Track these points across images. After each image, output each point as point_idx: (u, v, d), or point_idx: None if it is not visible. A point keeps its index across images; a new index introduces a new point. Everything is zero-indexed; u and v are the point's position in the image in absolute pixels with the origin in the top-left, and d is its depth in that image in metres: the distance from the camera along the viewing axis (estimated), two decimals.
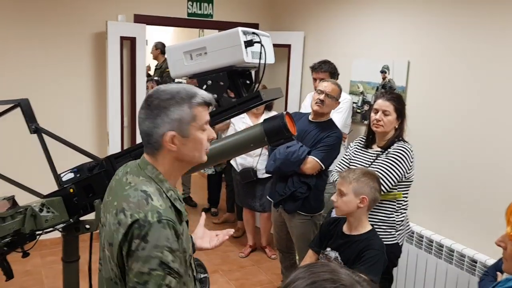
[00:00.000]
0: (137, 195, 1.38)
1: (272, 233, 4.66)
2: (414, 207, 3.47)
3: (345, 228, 2.35)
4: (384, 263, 2.22)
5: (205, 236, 1.91)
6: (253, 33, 2.00)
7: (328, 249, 2.34)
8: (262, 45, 1.96)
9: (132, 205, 1.36)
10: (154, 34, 8.19)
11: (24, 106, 2.46)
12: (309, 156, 3.12)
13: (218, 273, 4.22)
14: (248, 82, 2.18)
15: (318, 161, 3.12)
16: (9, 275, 2.20)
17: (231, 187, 5.08)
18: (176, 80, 5.75)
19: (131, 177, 1.45)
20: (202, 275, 2.15)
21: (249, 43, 1.94)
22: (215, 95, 2.01)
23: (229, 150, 2.05)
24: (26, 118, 2.47)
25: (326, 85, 3.14)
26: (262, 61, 1.98)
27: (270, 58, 2.12)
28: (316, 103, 3.12)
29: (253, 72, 2.26)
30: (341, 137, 3.22)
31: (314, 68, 3.88)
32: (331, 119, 3.28)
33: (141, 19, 4.71)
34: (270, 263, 4.48)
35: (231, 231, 1.94)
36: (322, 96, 3.10)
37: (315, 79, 3.87)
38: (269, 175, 3.70)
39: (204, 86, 2.02)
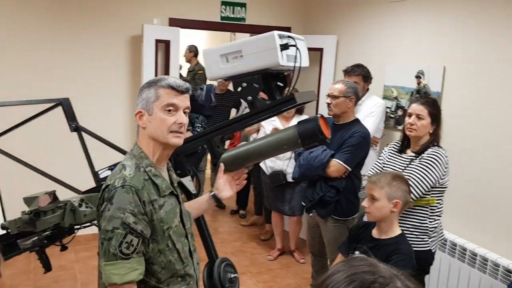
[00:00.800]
0: (117, 168, 1.65)
1: (301, 237, 4.67)
2: (448, 214, 3.42)
3: (374, 232, 2.34)
4: (413, 268, 2.19)
5: (225, 185, 2.04)
6: (289, 36, 2.01)
7: (357, 252, 2.33)
8: (297, 49, 1.98)
9: (111, 175, 1.64)
10: (188, 37, 8.31)
11: (65, 105, 2.56)
12: (333, 159, 3.12)
13: (247, 275, 4.24)
14: (282, 85, 2.20)
15: (342, 163, 3.11)
16: (47, 267, 2.29)
17: (259, 189, 5.10)
18: (208, 82, 5.84)
19: (125, 157, 1.71)
20: (232, 275, 2.19)
21: (284, 47, 1.96)
22: (250, 97, 2.05)
23: (263, 151, 2.06)
24: (67, 116, 2.56)
25: (331, 87, 3.18)
26: (297, 65, 1.99)
27: (305, 62, 2.14)
28: (328, 107, 3.18)
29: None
30: (365, 136, 3.17)
31: (347, 72, 3.85)
32: (355, 119, 3.26)
33: (175, 22, 4.81)
34: (298, 267, 4.48)
35: (245, 170, 2.09)
36: (328, 100, 3.16)
37: None
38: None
39: (239, 88, 2.05)
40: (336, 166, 3.12)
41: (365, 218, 2.61)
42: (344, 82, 3.21)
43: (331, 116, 3.23)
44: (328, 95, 3.16)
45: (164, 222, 1.63)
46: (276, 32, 1.98)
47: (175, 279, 1.70)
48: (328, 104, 3.16)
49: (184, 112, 1.67)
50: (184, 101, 1.66)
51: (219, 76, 2.12)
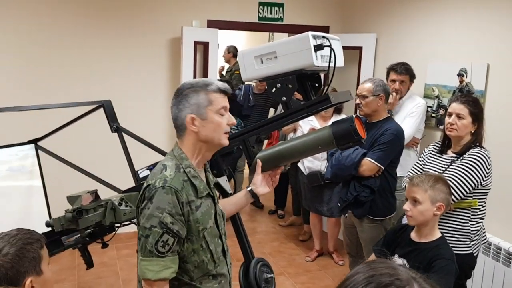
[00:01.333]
0: (158, 168, 1.68)
1: (339, 238, 4.62)
2: (492, 217, 3.30)
3: (413, 235, 2.28)
4: (455, 273, 2.13)
5: (262, 182, 2.08)
6: (323, 37, 2.00)
7: (396, 255, 2.29)
8: (332, 49, 1.96)
9: (152, 174, 1.68)
10: (226, 38, 8.39)
11: (107, 107, 2.64)
12: (364, 158, 3.09)
13: (284, 276, 4.24)
14: (317, 85, 2.19)
15: (373, 161, 3.07)
16: (89, 264, 2.37)
17: (297, 190, 5.08)
18: (246, 83, 5.87)
19: (165, 156, 1.76)
20: (268, 275, 2.19)
21: (319, 47, 1.95)
22: (284, 98, 2.05)
23: (297, 151, 2.07)
24: (108, 118, 2.65)
25: (359, 88, 3.17)
26: (332, 65, 1.98)
27: (340, 62, 2.12)
28: (358, 107, 3.17)
29: (322, 75, 2.27)
30: (397, 133, 3.12)
31: (395, 70, 3.74)
32: (387, 117, 3.21)
33: (213, 24, 4.87)
34: (337, 269, 4.44)
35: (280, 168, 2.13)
36: (358, 100, 3.15)
37: (394, 81, 3.75)
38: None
39: (274, 89, 2.05)
40: (368, 164, 3.08)
41: (404, 220, 2.56)
42: (372, 80, 3.17)
43: (362, 116, 3.20)
44: (357, 95, 3.14)
45: (200, 223, 1.68)
46: (310, 33, 1.97)
47: (207, 278, 1.75)
48: (358, 104, 3.14)
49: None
50: (228, 103, 1.74)
51: (254, 77, 2.13)
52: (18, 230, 1.54)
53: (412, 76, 3.78)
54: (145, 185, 1.65)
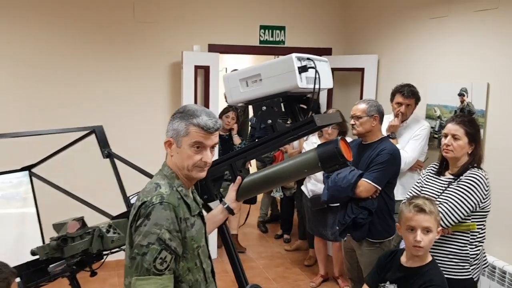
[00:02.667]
0: (150, 186, 1.68)
1: None
2: (497, 240, 3.21)
3: (403, 260, 2.21)
4: None
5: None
6: (308, 58, 1.98)
7: (387, 282, 2.21)
8: (316, 71, 1.94)
9: (145, 192, 1.66)
10: (232, 61, 8.45)
11: (98, 133, 2.64)
12: (361, 179, 3.03)
13: None
14: (305, 107, 2.16)
15: (370, 182, 3.02)
16: None
17: (302, 213, 5.02)
18: None
19: (154, 177, 1.76)
20: None
21: (303, 69, 1.93)
22: (270, 121, 2.02)
23: (283, 175, 2.03)
24: (100, 143, 2.65)
25: (353, 108, 3.15)
26: (317, 87, 1.95)
27: (327, 83, 2.10)
28: (352, 128, 3.16)
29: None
30: (393, 152, 3.08)
31: (402, 93, 3.66)
32: (383, 138, 3.18)
33: (215, 48, 4.90)
34: None
35: None
36: (352, 121, 3.14)
37: (399, 103, 3.68)
38: None
39: (259, 112, 2.03)
40: (365, 185, 3.03)
41: (402, 244, 2.48)
42: (366, 101, 3.15)
43: (357, 137, 3.18)
44: (352, 116, 3.13)
45: (195, 240, 1.69)
46: (294, 55, 1.95)
47: None
48: (353, 125, 3.13)
49: (213, 147, 1.72)
50: (212, 140, 1.70)
51: (240, 100, 2.12)
52: None
53: (417, 99, 3.72)
54: (138, 203, 1.63)
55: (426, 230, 2.10)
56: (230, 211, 2.05)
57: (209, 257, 1.82)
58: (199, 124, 1.65)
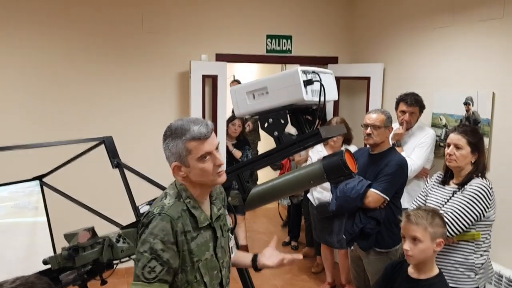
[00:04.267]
0: (160, 196, 1.75)
1: None
2: (503, 248, 3.21)
3: (410, 271, 2.22)
4: None
5: (272, 256, 2.02)
6: (313, 72, 2.02)
7: None
8: (321, 84, 1.98)
9: (154, 203, 1.74)
10: (240, 70, 8.52)
11: (108, 143, 2.69)
12: (370, 189, 3.06)
13: None
14: (311, 119, 2.21)
15: (379, 193, 3.05)
16: None
17: (309, 221, 5.04)
18: None
19: (168, 186, 1.79)
20: None
21: (308, 82, 1.98)
22: (276, 133, 2.07)
23: (290, 186, 2.07)
24: (109, 154, 2.70)
25: (369, 117, 3.13)
26: (322, 99, 1.99)
27: (332, 95, 2.14)
28: (365, 137, 3.14)
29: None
30: (401, 163, 3.11)
31: (406, 101, 3.72)
32: (390, 148, 3.21)
33: (222, 57, 4.95)
34: None
35: (299, 256, 2.01)
36: (368, 130, 3.11)
37: (403, 112, 3.72)
38: None
39: (266, 124, 2.08)
40: (374, 196, 3.05)
41: None
42: (382, 111, 3.17)
43: (368, 146, 3.19)
44: (367, 125, 3.11)
45: (194, 254, 1.68)
46: (300, 68, 2.00)
47: None
48: (369, 134, 3.11)
49: (216, 148, 1.70)
50: (212, 143, 1.67)
51: (247, 112, 2.17)
52: (32, 284, 1.39)
53: (422, 107, 3.76)
54: (145, 213, 1.70)
55: (414, 239, 2.12)
56: (255, 266, 2.03)
57: (220, 269, 1.80)
58: (193, 137, 1.63)
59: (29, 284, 1.40)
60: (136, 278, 1.61)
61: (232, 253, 1.97)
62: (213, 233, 1.78)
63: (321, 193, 4.35)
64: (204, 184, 1.72)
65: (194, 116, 4.64)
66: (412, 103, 3.69)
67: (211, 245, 1.76)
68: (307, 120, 2.19)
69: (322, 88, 1.98)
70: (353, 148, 4.20)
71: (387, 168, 3.07)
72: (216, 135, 1.72)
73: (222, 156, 1.73)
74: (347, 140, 4.38)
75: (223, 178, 1.72)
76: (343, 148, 1.99)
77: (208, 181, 1.69)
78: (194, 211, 1.70)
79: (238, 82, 7.33)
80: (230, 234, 1.99)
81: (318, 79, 2.00)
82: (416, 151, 3.68)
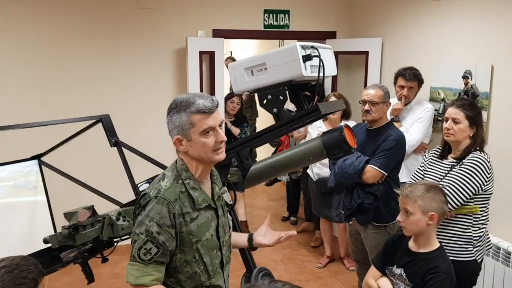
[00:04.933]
0: (158, 177, 1.73)
1: None
2: (501, 221, 3.24)
3: (411, 244, 2.25)
4: (451, 285, 2.09)
5: (267, 234, 2.05)
6: (312, 47, 2.00)
7: (394, 266, 2.26)
8: (320, 59, 1.95)
9: (151, 184, 1.72)
10: (237, 46, 8.43)
11: (105, 121, 2.67)
12: (368, 165, 3.06)
13: (295, 283, 4.21)
14: (310, 94, 2.19)
15: (377, 168, 3.06)
16: (90, 278, 2.39)
17: (308, 196, 5.07)
18: None
19: (168, 167, 1.77)
20: None
21: (307, 57, 1.95)
22: (275, 109, 2.05)
23: (289, 163, 2.07)
24: (107, 132, 2.68)
25: (367, 94, 3.09)
26: (321, 75, 1.97)
27: (331, 71, 2.12)
28: (363, 114, 3.12)
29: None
30: (399, 138, 3.10)
31: (404, 76, 3.68)
32: (388, 123, 3.19)
33: (219, 33, 4.89)
34: (348, 275, 4.40)
35: (294, 232, 2.07)
36: (366, 106, 3.09)
37: (402, 87, 3.70)
38: None
39: (265, 101, 2.06)
40: (372, 171, 3.06)
41: None
42: (380, 87, 3.14)
43: (365, 122, 3.18)
44: (365, 101, 3.09)
45: (194, 235, 1.68)
46: (298, 43, 1.97)
47: None
48: (368, 110, 3.09)
49: (220, 125, 1.70)
50: (216, 118, 1.67)
51: (245, 89, 2.14)
52: (16, 265, 1.42)
53: (420, 82, 3.73)
54: (142, 193, 1.70)
55: (406, 211, 2.17)
56: (251, 246, 2.04)
57: (220, 248, 1.80)
58: (198, 110, 1.62)
59: (13, 266, 1.41)
60: (132, 258, 1.63)
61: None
62: (215, 213, 1.78)
63: (320, 169, 4.36)
64: (203, 162, 1.70)
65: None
66: (411, 77, 3.67)
67: (213, 225, 1.75)
68: (306, 96, 2.17)
69: (321, 64, 1.96)
70: (351, 123, 4.19)
71: (385, 143, 3.06)
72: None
73: (223, 134, 1.72)
74: (346, 114, 4.36)
75: (222, 155, 1.71)
76: (342, 124, 1.98)
77: (206, 157, 1.68)
78: (192, 193, 1.68)
79: (233, 59, 7.25)
80: (228, 215, 1.98)
81: (317, 54, 1.97)
82: (415, 126, 3.67)
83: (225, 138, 1.71)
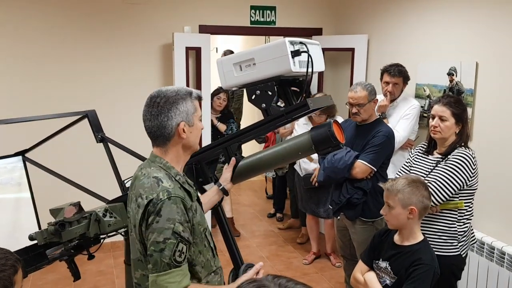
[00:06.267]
0: (149, 181, 1.65)
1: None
2: (485, 217, 3.29)
3: (396, 238, 2.28)
4: (435, 277, 2.12)
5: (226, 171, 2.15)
6: (301, 42, 1.99)
7: (380, 259, 2.28)
8: (309, 55, 1.95)
9: (147, 189, 1.63)
10: (223, 42, 8.40)
11: (91, 117, 2.64)
12: (357, 160, 3.08)
13: None
14: (298, 90, 2.18)
15: (366, 163, 3.08)
16: (76, 276, 2.36)
17: (294, 192, 5.09)
18: None
19: (144, 170, 1.72)
20: None
21: (296, 53, 1.95)
22: (264, 105, 2.04)
23: (278, 158, 2.07)
24: (93, 128, 2.65)
25: (352, 97, 3.10)
26: (310, 70, 1.97)
27: (319, 66, 2.11)
28: (352, 116, 3.15)
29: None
30: (388, 134, 3.12)
31: (389, 72, 3.71)
32: (377, 119, 3.22)
33: (205, 29, 4.87)
34: (334, 271, 4.43)
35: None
36: (354, 109, 3.11)
37: (387, 83, 3.73)
38: None
39: (253, 96, 2.05)
40: (361, 167, 3.08)
41: None
42: (363, 86, 3.12)
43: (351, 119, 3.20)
44: (352, 104, 3.10)
45: (201, 224, 1.74)
46: (287, 39, 1.96)
47: (211, 275, 1.80)
48: (355, 113, 3.11)
49: None
50: None
51: (234, 84, 2.13)
52: None
53: (405, 78, 3.76)
54: (145, 201, 1.61)
55: (388, 205, 2.23)
56: (224, 192, 2.10)
57: (211, 236, 1.87)
58: (199, 96, 1.74)
59: (4, 259, 1.43)
60: (165, 267, 1.56)
61: None
62: (198, 202, 1.83)
63: (308, 164, 4.38)
64: (189, 152, 1.77)
65: None
66: (396, 74, 3.70)
67: (203, 211, 1.84)
68: (294, 91, 2.17)
69: (309, 59, 1.95)
70: (339, 118, 4.21)
71: (374, 139, 3.08)
72: (201, 108, 1.75)
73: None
74: (331, 112, 4.38)
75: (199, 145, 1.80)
76: (331, 119, 1.99)
77: (196, 145, 1.76)
78: (186, 186, 1.72)
79: (232, 52, 7.19)
80: None
81: (306, 49, 1.97)
82: (401, 122, 3.70)
83: (203, 127, 1.82)
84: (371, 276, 2.30)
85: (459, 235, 2.54)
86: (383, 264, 2.26)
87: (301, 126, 4.42)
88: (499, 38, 3.26)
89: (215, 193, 2.10)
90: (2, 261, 1.42)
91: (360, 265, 2.39)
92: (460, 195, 2.52)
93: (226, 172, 2.10)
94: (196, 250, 1.70)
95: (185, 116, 1.67)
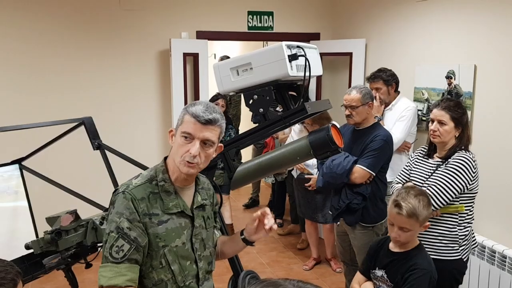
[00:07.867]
0: (134, 176, 1.69)
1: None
2: (486, 220, 3.27)
3: (391, 246, 2.25)
4: (431, 282, 2.09)
5: (257, 230, 1.80)
6: (298, 46, 1.98)
7: (376, 268, 2.26)
8: (306, 59, 1.94)
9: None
10: (221, 48, 8.39)
11: (88, 124, 2.62)
12: (356, 165, 3.06)
13: None
14: (295, 94, 2.17)
15: (365, 168, 3.06)
16: (74, 285, 2.33)
17: (294, 198, 5.06)
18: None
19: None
20: None
21: (293, 57, 1.93)
22: (261, 109, 2.03)
23: (276, 163, 2.05)
24: (90, 135, 2.63)
25: (346, 98, 3.09)
26: (307, 74, 1.96)
27: (317, 70, 2.10)
28: (346, 118, 3.13)
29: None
30: (387, 138, 3.10)
31: (368, 79, 3.77)
32: (375, 123, 3.19)
33: (203, 35, 4.86)
34: (334, 277, 4.39)
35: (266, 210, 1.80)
36: (347, 111, 3.09)
37: (372, 89, 3.70)
38: None
39: (251, 101, 2.03)
40: (360, 172, 3.06)
41: None
42: (358, 89, 3.11)
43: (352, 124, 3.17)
44: (346, 106, 3.09)
45: (161, 238, 1.62)
46: (284, 43, 1.95)
47: None
48: (348, 115, 3.09)
49: (205, 143, 1.60)
50: (202, 132, 1.58)
51: (231, 89, 2.12)
52: None
53: (387, 81, 3.71)
54: (114, 190, 1.67)
55: (404, 230, 2.12)
56: (248, 243, 1.84)
57: (196, 262, 1.71)
58: (192, 113, 1.58)
59: (3, 272, 1.40)
60: (104, 259, 1.56)
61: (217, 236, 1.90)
62: (191, 222, 1.70)
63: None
64: (175, 163, 1.63)
65: (176, 96, 4.60)
66: (372, 79, 3.70)
67: (185, 233, 1.68)
68: (292, 96, 2.16)
69: (307, 63, 1.94)
70: (337, 124, 4.19)
71: (373, 143, 3.06)
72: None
73: (204, 156, 1.61)
74: (327, 118, 4.35)
75: (188, 170, 1.60)
76: (330, 124, 1.97)
77: (176, 161, 1.61)
78: (164, 195, 1.63)
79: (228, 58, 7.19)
80: (216, 232, 1.91)
81: (303, 53, 1.96)
82: (397, 125, 3.68)
83: (195, 153, 1.57)
84: (368, 286, 2.28)
85: (460, 239, 2.51)
86: (379, 272, 2.23)
87: (297, 132, 4.41)
88: (497, 40, 3.25)
89: (242, 245, 1.86)
90: (1, 274, 1.39)
91: (358, 276, 2.36)
92: (460, 198, 2.50)
93: (249, 225, 1.82)
94: (148, 263, 1.61)
95: (177, 125, 1.66)
